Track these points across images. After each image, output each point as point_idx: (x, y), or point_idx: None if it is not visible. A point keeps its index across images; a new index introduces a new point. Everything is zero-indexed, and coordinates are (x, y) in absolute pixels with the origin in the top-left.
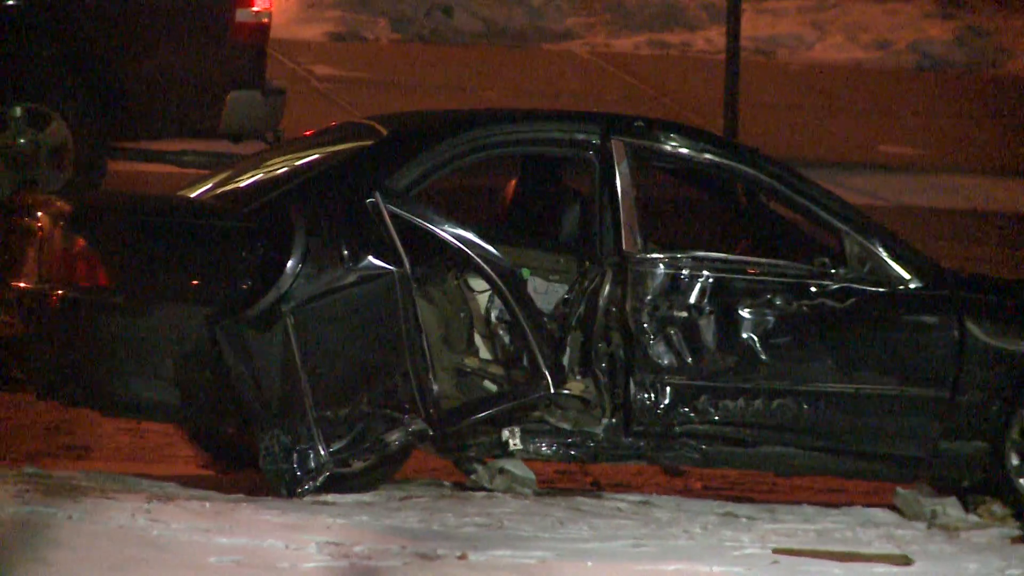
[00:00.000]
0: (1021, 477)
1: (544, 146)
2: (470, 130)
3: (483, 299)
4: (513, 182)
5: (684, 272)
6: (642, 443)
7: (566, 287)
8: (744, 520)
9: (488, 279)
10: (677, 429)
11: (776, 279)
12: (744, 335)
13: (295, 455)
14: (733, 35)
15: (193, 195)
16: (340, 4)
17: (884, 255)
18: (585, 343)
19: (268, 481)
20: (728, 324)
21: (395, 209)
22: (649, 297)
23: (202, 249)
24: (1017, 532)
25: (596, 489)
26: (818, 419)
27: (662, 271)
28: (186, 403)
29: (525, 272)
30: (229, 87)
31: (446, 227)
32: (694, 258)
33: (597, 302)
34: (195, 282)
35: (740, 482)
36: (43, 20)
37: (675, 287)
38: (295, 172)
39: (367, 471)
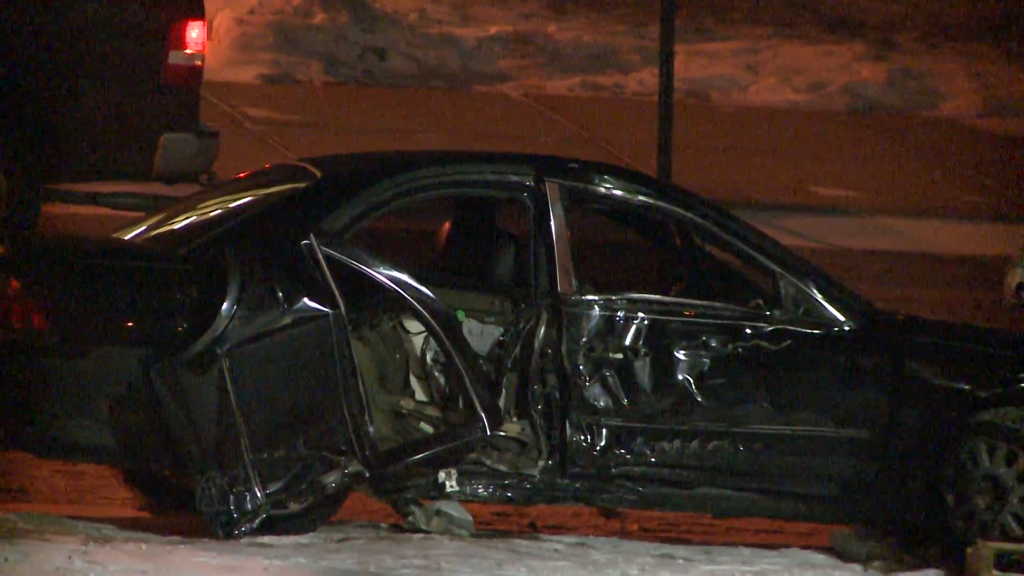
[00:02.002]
0: (958, 519)
1: (478, 188)
2: (404, 172)
3: (418, 341)
4: (447, 224)
5: (619, 314)
6: (579, 485)
7: (501, 329)
8: (681, 562)
9: (423, 321)
10: (613, 471)
11: (711, 321)
12: (680, 377)
13: (232, 497)
14: (666, 77)
15: (127, 237)
16: (273, 47)
17: (818, 297)
18: (521, 385)
19: (205, 523)
20: (664, 366)
21: (329, 251)
22: (584, 339)
23: (137, 291)
24: (953, 573)
25: (533, 531)
26: (754, 460)
27: (597, 312)
28: (122, 445)
29: (460, 314)
30: (162, 129)
31: (381, 269)
32: (629, 300)
33: (532, 344)
34: (130, 324)
35: (677, 523)
36: None
37: (610, 329)
38: (229, 214)
39: (304, 513)
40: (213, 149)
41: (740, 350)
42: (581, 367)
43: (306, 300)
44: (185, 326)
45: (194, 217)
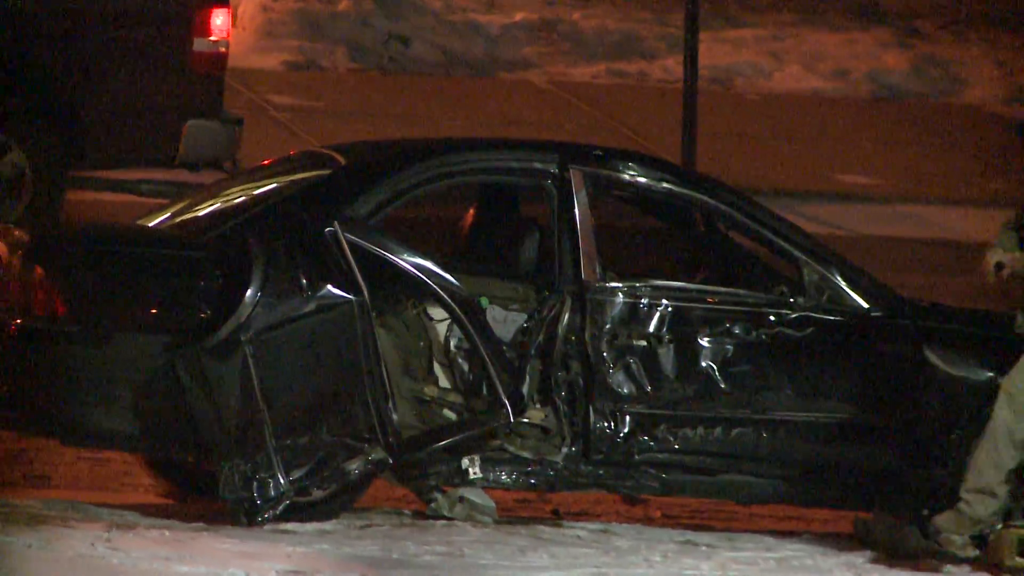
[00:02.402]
0: None
1: (502, 175)
2: (428, 159)
3: (442, 328)
4: (471, 211)
5: (643, 301)
6: (602, 471)
7: (525, 316)
8: (704, 548)
9: (447, 308)
10: (637, 457)
11: (735, 308)
12: (703, 364)
13: (255, 484)
14: (691, 64)
15: (151, 224)
16: (297, 34)
17: (842, 284)
18: (544, 372)
19: (228, 509)
20: (687, 353)
21: (354, 238)
22: (608, 326)
23: (161, 278)
24: (976, 560)
25: (556, 517)
26: (777, 447)
27: (621, 300)
28: (145, 432)
29: (484, 301)
30: (187, 116)
31: (405, 256)
32: (653, 287)
33: (556, 331)
34: (154, 311)
35: (700, 510)
36: (0, 50)
37: (634, 316)
38: (253, 201)
39: (327, 499)
40: (237, 136)
41: (764, 337)
42: (605, 354)
43: (330, 287)
44: (209, 313)
45: (218, 204)
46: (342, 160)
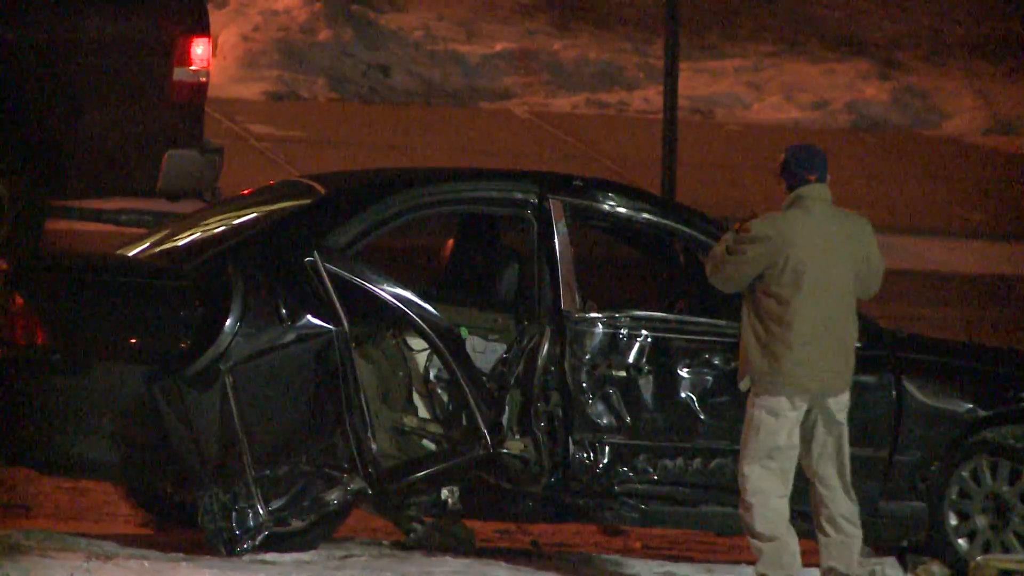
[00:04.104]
0: (960, 537)
1: (482, 205)
2: (408, 189)
3: (422, 358)
4: (451, 241)
5: (622, 331)
6: (581, 502)
7: (505, 346)
8: None
9: (427, 338)
10: (616, 488)
11: (715, 339)
12: (683, 394)
13: (234, 514)
14: (670, 95)
15: (131, 254)
16: (278, 63)
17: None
18: (524, 402)
19: (207, 539)
20: (667, 383)
21: (333, 268)
22: (587, 356)
23: (140, 308)
24: None
25: (536, 548)
26: None
27: (600, 330)
28: (124, 462)
29: (464, 331)
30: (167, 146)
31: (384, 286)
32: (632, 317)
33: (536, 361)
34: (133, 341)
35: (679, 541)
36: None
37: (613, 346)
38: (233, 231)
39: (306, 530)
40: (217, 165)
41: None
42: (584, 384)
43: (309, 317)
44: (188, 342)
45: (198, 233)
46: (322, 190)
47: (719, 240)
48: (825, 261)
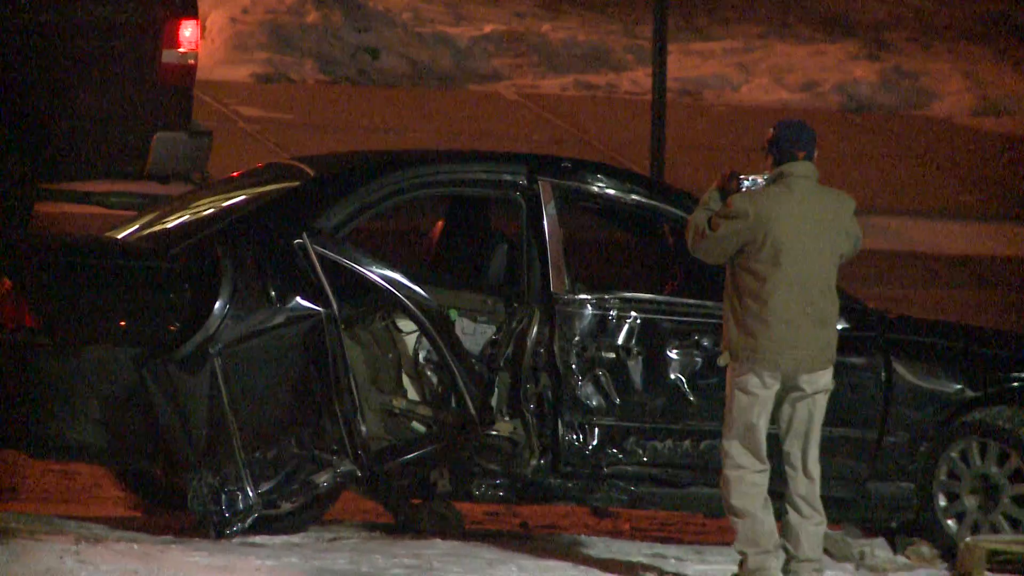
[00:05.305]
0: (949, 518)
1: (471, 187)
2: (397, 171)
3: (411, 340)
4: (440, 223)
5: (612, 313)
6: (571, 484)
7: (494, 328)
8: (673, 561)
9: (416, 320)
10: (606, 470)
11: (704, 320)
12: (672, 376)
13: (223, 496)
14: (659, 76)
15: (120, 236)
16: (266, 46)
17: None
18: (513, 384)
19: (197, 522)
20: (656, 365)
21: (322, 250)
22: (577, 338)
23: (129, 290)
24: (945, 573)
25: (525, 530)
26: None
27: (590, 312)
28: (114, 445)
29: (453, 313)
30: (156, 128)
31: (374, 268)
32: (622, 299)
33: (525, 343)
34: (122, 323)
35: (669, 523)
36: None
37: (603, 328)
38: (222, 213)
39: (296, 512)
40: (206, 148)
41: None
42: (574, 366)
43: (299, 299)
44: (177, 325)
45: (187, 216)
46: (311, 172)
47: (699, 202)
48: (804, 239)
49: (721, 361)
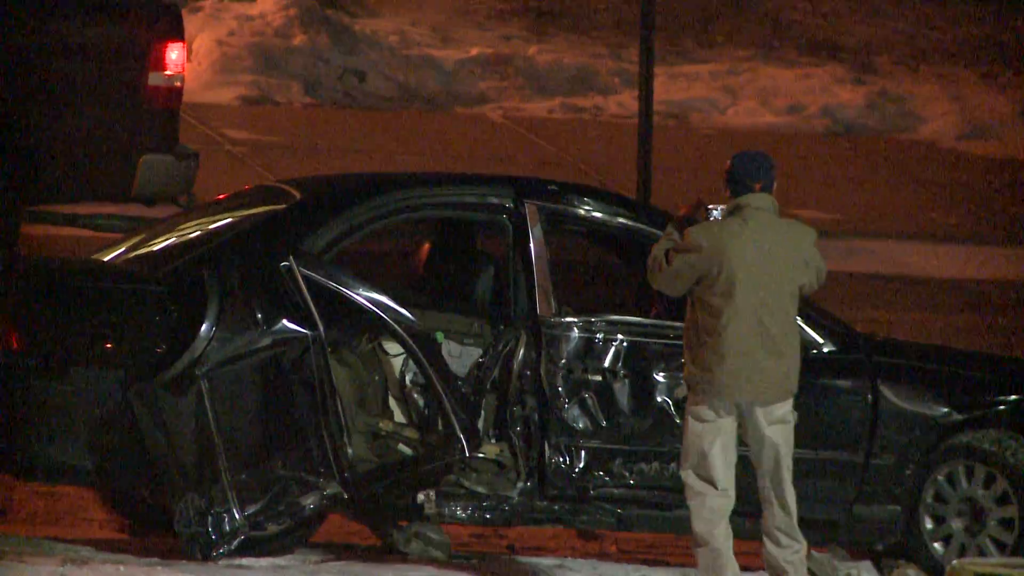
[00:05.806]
0: (936, 541)
1: (458, 210)
2: (383, 194)
3: (398, 362)
4: (427, 245)
5: (598, 336)
6: (557, 506)
7: (481, 350)
8: None
9: (403, 342)
10: (592, 492)
11: None
12: (658, 398)
13: (210, 518)
14: (645, 99)
15: (107, 259)
16: (253, 68)
17: (797, 319)
18: (500, 406)
19: (183, 544)
20: (642, 387)
21: (309, 272)
22: (563, 360)
23: (116, 312)
24: None
25: (511, 553)
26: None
27: (576, 335)
28: (100, 467)
29: (439, 335)
30: (142, 151)
31: (360, 290)
32: (608, 322)
33: (512, 365)
34: (109, 346)
35: (655, 545)
36: None
37: (589, 350)
38: (209, 235)
39: (282, 534)
40: (193, 170)
41: None
42: (560, 389)
43: (285, 321)
44: (164, 347)
45: (173, 238)
46: (297, 195)
47: (658, 240)
48: (759, 271)
49: (679, 394)
